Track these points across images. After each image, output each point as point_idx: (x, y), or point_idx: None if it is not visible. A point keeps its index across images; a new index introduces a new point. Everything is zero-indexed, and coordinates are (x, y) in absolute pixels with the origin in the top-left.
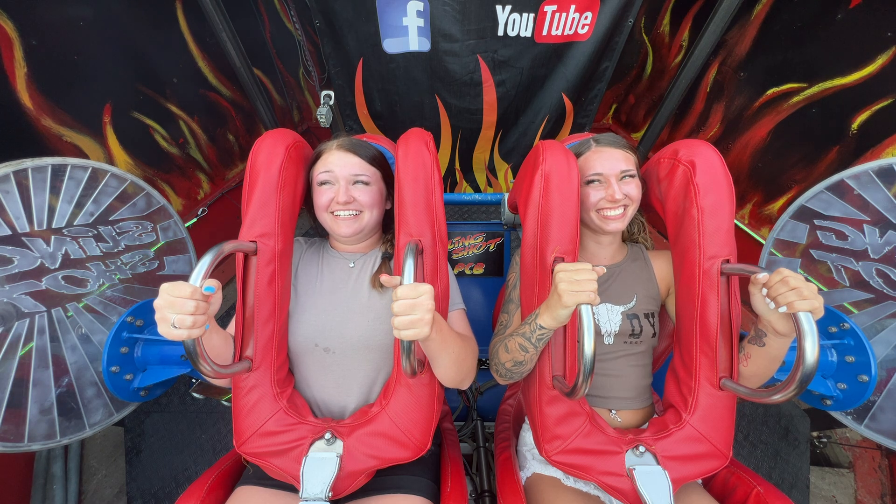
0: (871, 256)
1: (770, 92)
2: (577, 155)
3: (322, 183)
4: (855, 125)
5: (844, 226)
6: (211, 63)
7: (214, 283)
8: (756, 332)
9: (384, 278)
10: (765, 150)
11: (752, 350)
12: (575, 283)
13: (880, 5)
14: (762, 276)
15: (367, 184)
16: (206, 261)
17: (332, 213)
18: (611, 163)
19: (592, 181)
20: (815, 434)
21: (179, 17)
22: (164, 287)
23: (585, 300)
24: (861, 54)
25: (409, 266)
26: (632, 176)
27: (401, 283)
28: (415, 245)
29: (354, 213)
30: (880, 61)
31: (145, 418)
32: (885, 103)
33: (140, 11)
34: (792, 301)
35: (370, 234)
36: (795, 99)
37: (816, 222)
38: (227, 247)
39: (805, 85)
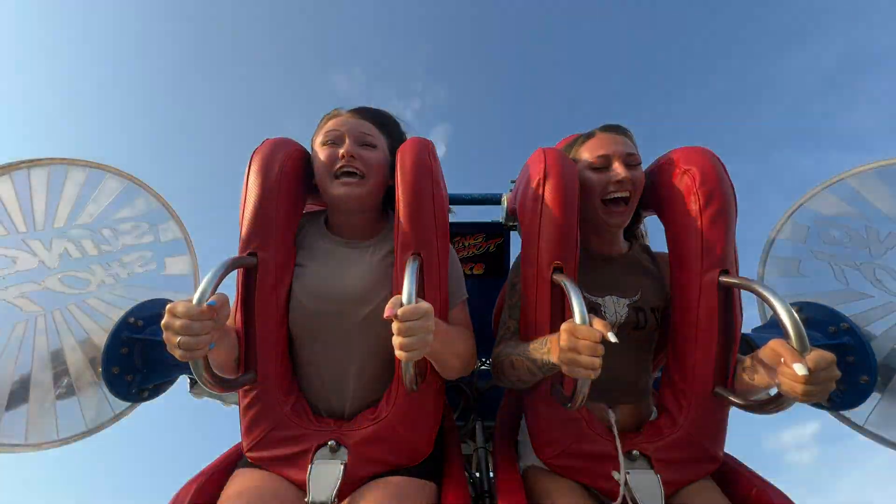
0: (872, 257)
1: None
2: (581, 144)
3: (325, 142)
4: None
5: (845, 226)
6: None
7: (218, 297)
8: (752, 365)
9: (386, 313)
10: None
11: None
12: (577, 358)
13: None
14: (800, 371)
15: (374, 146)
16: (210, 280)
17: (335, 173)
18: (616, 146)
19: (597, 167)
20: None
21: None
22: (170, 308)
23: (583, 376)
24: None
25: (408, 284)
26: (637, 163)
27: (401, 304)
28: (415, 262)
29: (359, 174)
30: None
31: None
32: None
33: None
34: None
35: (370, 206)
36: None
37: (817, 222)
38: (230, 263)
39: None
